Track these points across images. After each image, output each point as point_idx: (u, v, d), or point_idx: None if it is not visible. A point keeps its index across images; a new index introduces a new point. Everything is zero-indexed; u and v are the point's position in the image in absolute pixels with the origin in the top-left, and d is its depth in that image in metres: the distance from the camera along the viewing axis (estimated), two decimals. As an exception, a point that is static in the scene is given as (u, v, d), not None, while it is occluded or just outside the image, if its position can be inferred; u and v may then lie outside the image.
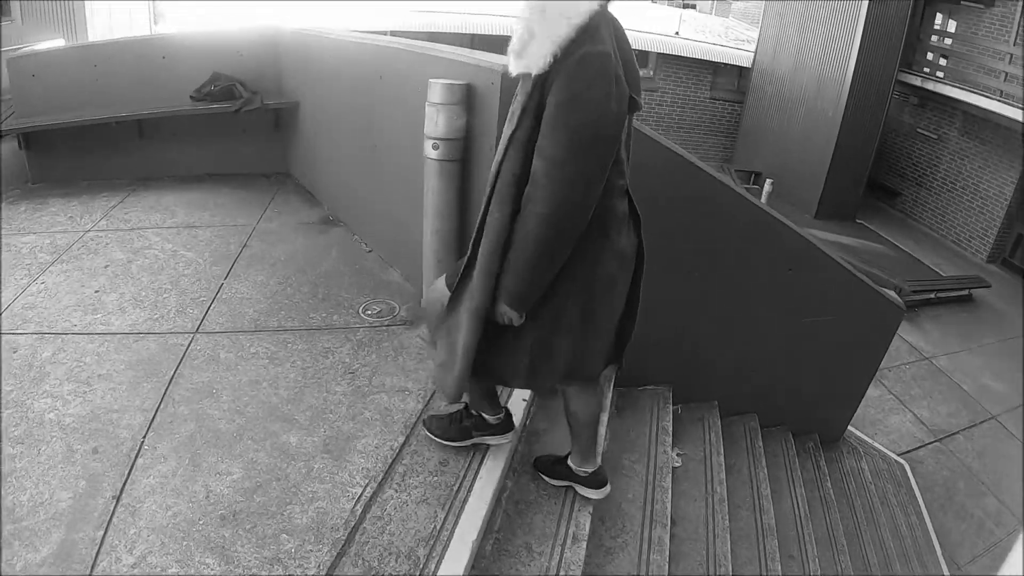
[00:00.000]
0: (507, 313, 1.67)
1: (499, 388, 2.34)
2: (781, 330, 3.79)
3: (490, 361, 1.82)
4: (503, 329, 1.74)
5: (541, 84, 1.48)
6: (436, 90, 2.55)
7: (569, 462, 2.28)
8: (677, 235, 3.06)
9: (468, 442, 2.34)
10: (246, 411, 2.78)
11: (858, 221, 14.02)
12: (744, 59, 16.24)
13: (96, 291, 3.66)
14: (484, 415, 2.28)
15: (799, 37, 14.51)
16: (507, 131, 1.59)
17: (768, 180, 13.12)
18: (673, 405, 3.47)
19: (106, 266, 3.91)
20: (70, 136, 5.11)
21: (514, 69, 1.54)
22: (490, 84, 2.49)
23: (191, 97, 5.13)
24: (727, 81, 16.89)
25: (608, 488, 2.32)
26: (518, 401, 2.75)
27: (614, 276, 1.75)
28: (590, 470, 2.25)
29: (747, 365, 3.83)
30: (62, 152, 5.31)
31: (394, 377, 2.99)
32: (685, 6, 26.36)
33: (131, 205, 4.79)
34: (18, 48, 7.54)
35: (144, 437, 2.66)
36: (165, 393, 2.89)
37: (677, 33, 16.16)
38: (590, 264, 1.67)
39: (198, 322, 3.36)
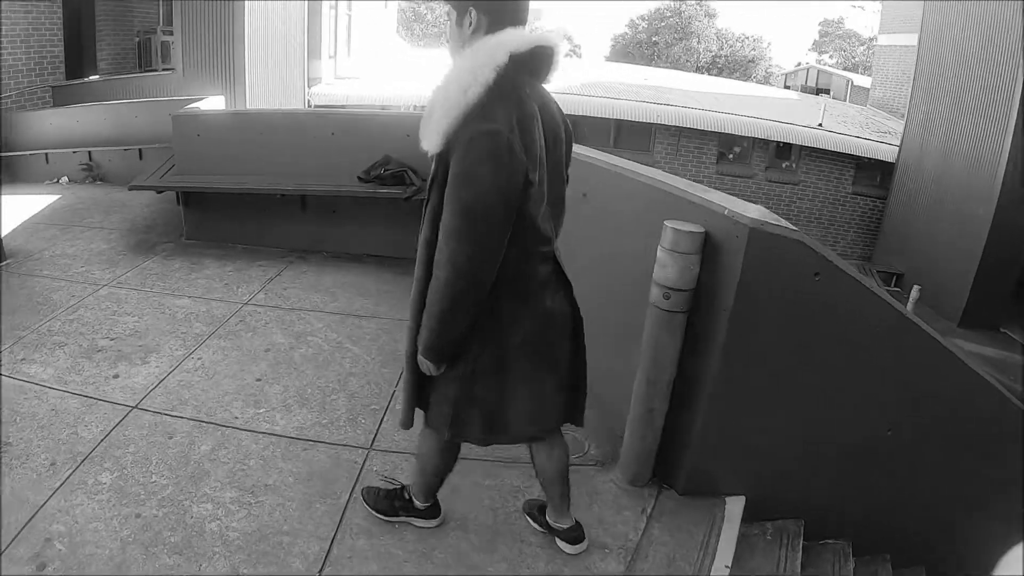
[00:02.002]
0: (424, 362, 1.94)
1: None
2: (964, 479, 3.49)
3: (431, 408, 2.11)
4: (437, 380, 2.01)
5: (444, 160, 1.74)
6: (671, 236, 2.47)
7: (547, 518, 2.51)
8: (878, 395, 2.92)
9: (395, 519, 2.58)
10: (434, 556, 2.56)
11: (1001, 330, 12.97)
12: (888, 153, 15.79)
13: (258, 379, 3.61)
14: (416, 500, 2.50)
15: (946, 132, 13.95)
16: (425, 202, 1.88)
17: (916, 287, 12.40)
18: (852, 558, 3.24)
19: (267, 350, 3.88)
20: (229, 199, 5.36)
21: (423, 147, 1.79)
22: (734, 237, 2.41)
23: (359, 178, 5.27)
24: (870, 176, 16.47)
25: (585, 544, 2.52)
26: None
27: (535, 338, 1.96)
28: (565, 526, 2.46)
29: (923, 517, 3.55)
30: (219, 212, 5.57)
31: (591, 530, 2.70)
32: (819, 92, 26.32)
33: (289, 280, 4.83)
34: (179, 100, 8.09)
35: (320, 572, 2.46)
36: (341, 520, 2.71)
37: (820, 125, 15.95)
38: (505, 325, 1.91)
39: (372, 436, 3.23)
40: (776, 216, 2.46)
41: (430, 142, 1.76)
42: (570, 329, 2.07)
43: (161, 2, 13.10)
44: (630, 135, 15.48)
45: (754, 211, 2.42)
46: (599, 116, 15.00)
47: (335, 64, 14.00)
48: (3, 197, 8.02)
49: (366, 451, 3.12)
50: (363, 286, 4.82)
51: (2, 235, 5.48)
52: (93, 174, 8.84)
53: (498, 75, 1.64)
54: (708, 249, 2.51)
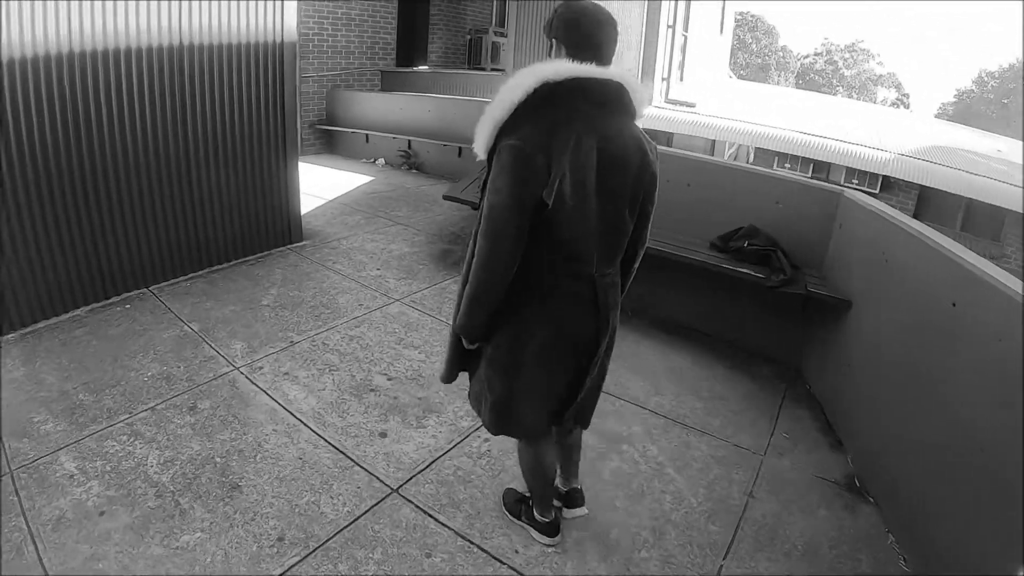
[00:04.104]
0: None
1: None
2: None
3: (470, 384, 2.29)
4: (479, 360, 2.18)
5: (488, 165, 1.96)
6: None
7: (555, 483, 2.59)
8: None
9: (516, 522, 2.59)
10: None
11: None
12: None
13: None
14: (535, 510, 2.52)
15: None
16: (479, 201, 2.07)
17: None
18: None
19: (570, 452, 2.92)
20: None
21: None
22: None
23: (712, 244, 4.22)
24: None
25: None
26: None
27: (550, 347, 2.03)
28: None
29: None
30: None
31: None
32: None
33: None
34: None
35: None
36: None
37: None
38: (520, 323, 2.01)
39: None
40: None
41: (477, 148, 1.93)
42: (588, 350, 2.10)
43: (496, 3, 13.23)
44: (978, 218, 12.79)
45: None
46: (947, 191, 12.48)
47: (667, 87, 13.25)
48: (318, 169, 8.22)
49: None
50: (695, 381, 3.79)
51: (301, 214, 5.24)
52: (410, 162, 8.90)
53: (527, 96, 1.80)
54: None
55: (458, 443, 2.99)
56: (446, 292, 4.62)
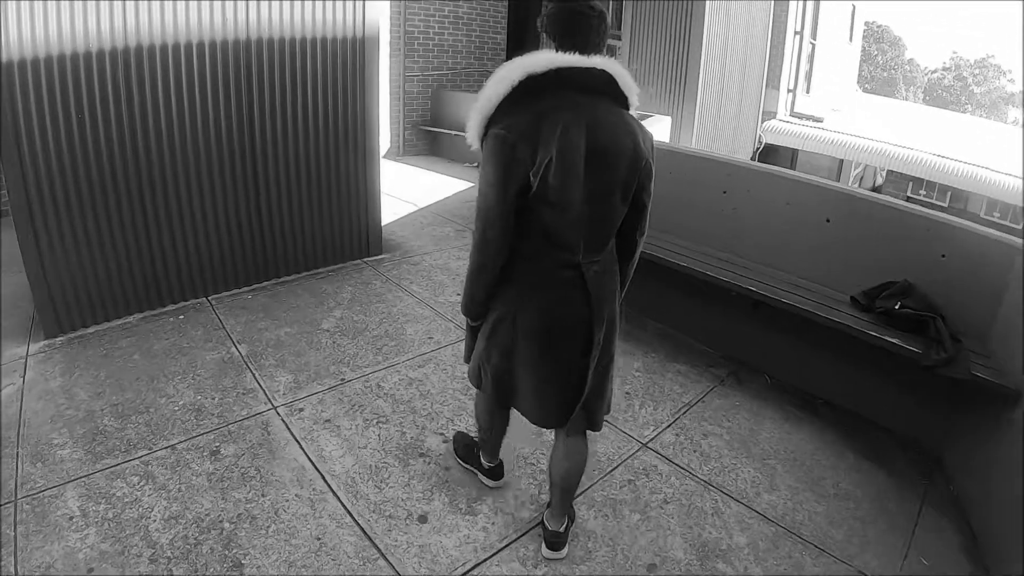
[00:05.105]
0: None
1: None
2: None
3: (472, 359, 2.30)
4: (479, 336, 2.22)
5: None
6: None
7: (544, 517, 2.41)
8: None
9: (464, 466, 2.72)
10: None
11: None
12: None
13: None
14: (482, 456, 2.62)
15: None
16: None
17: None
18: None
19: (651, 567, 2.28)
20: (663, 269, 3.77)
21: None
22: None
23: (854, 299, 3.43)
24: None
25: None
26: None
27: (541, 330, 2.01)
28: (551, 528, 2.33)
29: None
30: (642, 274, 4.03)
31: None
32: None
33: (713, 415, 3.32)
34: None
35: None
36: None
37: None
38: (513, 308, 2.03)
39: None
40: None
41: (470, 138, 1.95)
42: (583, 337, 2.03)
43: (611, 3, 12.58)
44: None
45: None
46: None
47: (792, 99, 12.21)
48: (418, 172, 7.79)
49: None
50: (818, 471, 3.01)
51: (384, 223, 4.76)
52: (512, 167, 8.38)
53: (511, 88, 1.82)
54: None
55: (512, 542, 2.36)
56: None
